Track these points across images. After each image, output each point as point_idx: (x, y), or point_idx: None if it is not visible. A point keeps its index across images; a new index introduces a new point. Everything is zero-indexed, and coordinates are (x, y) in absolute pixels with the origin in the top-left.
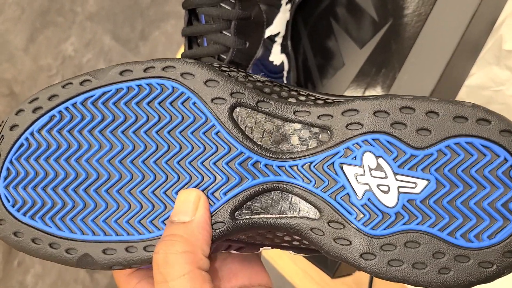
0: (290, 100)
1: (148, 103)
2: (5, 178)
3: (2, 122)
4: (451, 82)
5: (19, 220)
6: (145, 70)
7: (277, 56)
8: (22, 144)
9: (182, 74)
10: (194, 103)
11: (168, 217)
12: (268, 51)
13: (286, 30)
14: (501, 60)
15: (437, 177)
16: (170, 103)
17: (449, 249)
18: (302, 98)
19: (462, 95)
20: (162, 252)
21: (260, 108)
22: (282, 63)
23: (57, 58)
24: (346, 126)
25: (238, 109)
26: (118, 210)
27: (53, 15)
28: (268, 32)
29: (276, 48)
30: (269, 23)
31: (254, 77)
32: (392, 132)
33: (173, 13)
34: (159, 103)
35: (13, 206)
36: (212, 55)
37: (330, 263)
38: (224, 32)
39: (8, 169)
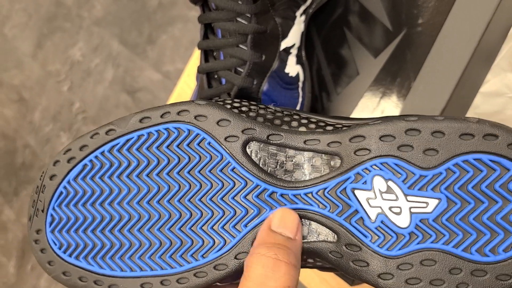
0: (300, 129)
1: (167, 147)
2: (50, 224)
3: (43, 173)
4: (466, 90)
5: (65, 261)
6: (162, 116)
7: (292, 68)
8: (61, 192)
9: (195, 117)
10: (209, 143)
11: (194, 252)
12: (283, 63)
13: (301, 41)
14: None
15: (448, 195)
16: (188, 145)
17: (465, 264)
18: (312, 126)
19: (477, 102)
20: (275, 256)
21: (271, 141)
22: (298, 74)
23: (65, 63)
24: (355, 152)
25: (251, 144)
26: (150, 247)
27: (60, 20)
28: (284, 45)
29: (292, 59)
30: (285, 35)
31: (265, 108)
32: (399, 155)
33: (180, 17)
34: (178, 146)
35: (59, 249)
36: (229, 69)
37: None
38: (241, 45)
39: (52, 215)
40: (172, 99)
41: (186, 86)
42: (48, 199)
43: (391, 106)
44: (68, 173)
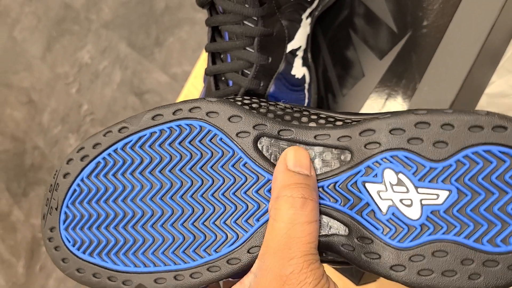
0: (311, 124)
1: (180, 143)
2: (64, 221)
3: (56, 171)
4: (471, 91)
5: (80, 258)
6: (174, 113)
7: (298, 70)
8: (75, 190)
9: (207, 113)
10: (221, 139)
11: (207, 247)
12: (290, 65)
13: (307, 43)
14: None
15: (458, 187)
16: (200, 141)
17: (477, 255)
18: (322, 121)
19: (483, 104)
20: (302, 196)
21: (282, 136)
22: (304, 76)
23: (73, 66)
24: (365, 146)
25: (262, 139)
26: (163, 242)
27: (69, 23)
28: (290, 47)
29: (298, 61)
30: (291, 38)
31: (275, 105)
32: (409, 148)
33: (187, 19)
34: (190, 142)
35: (73, 246)
36: (236, 71)
37: (355, 272)
38: (248, 48)
39: (65, 213)
40: (179, 101)
41: (193, 88)
42: (62, 197)
43: (396, 107)
44: (81, 171)
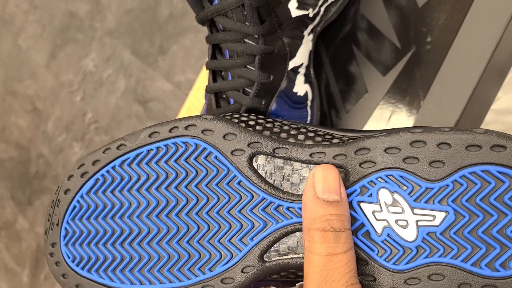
0: (307, 142)
1: (175, 161)
2: (64, 237)
3: (58, 187)
4: (477, 108)
5: (78, 274)
6: (170, 131)
7: (300, 87)
8: (75, 206)
9: (202, 131)
10: (216, 157)
11: (202, 265)
12: (292, 82)
13: (309, 60)
14: None
15: (455, 208)
16: (195, 159)
17: (474, 279)
18: (319, 138)
19: (488, 120)
20: (333, 230)
21: (277, 154)
22: (306, 93)
23: (78, 74)
24: (360, 165)
25: (257, 157)
26: (159, 260)
27: (73, 31)
28: (292, 64)
29: (300, 78)
30: (293, 55)
31: (272, 122)
32: (404, 167)
33: (191, 27)
34: (185, 160)
35: (73, 262)
36: (237, 89)
37: None
38: (248, 66)
39: (66, 229)
40: (182, 112)
41: (195, 100)
42: (62, 213)
43: (401, 124)
44: (81, 187)
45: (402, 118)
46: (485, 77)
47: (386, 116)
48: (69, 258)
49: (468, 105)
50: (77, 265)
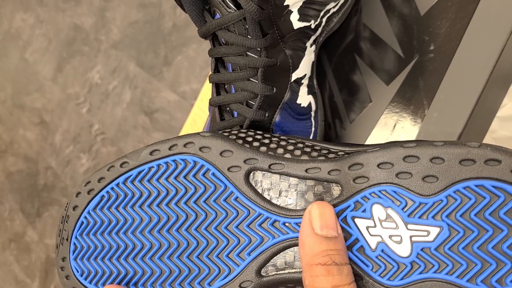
0: (303, 157)
1: (175, 178)
2: (73, 252)
3: (67, 204)
4: (483, 116)
5: None
6: (170, 148)
7: (304, 98)
8: (82, 222)
9: (200, 148)
10: (213, 174)
11: (201, 280)
12: (295, 94)
13: (312, 71)
14: None
15: (450, 223)
16: (194, 176)
17: None
18: (315, 153)
19: (495, 127)
20: (335, 264)
21: (273, 170)
22: (310, 104)
23: (84, 86)
24: (354, 180)
25: (254, 173)
26: (161, 275)
27: (79, 44)
28: (295, 76)
29: (303, 90)
30: (295, 67)
31: (270, 137)
32: (398, 182)
33: (195, 37)
34: (184, 177)
35: (81, 276)
36: (240, 102)
37: None
38: (251, 79)
39: (74, 244)
40: (187, 124)
41: (200, 111)
42: (71, 229)
43: (405, 133)
44: (88, 204)
45: (407, 127)
46: (490, 84)
47: (391, 126)
48: (78, 272)
49: (473, 113)
50: (85, 279)
